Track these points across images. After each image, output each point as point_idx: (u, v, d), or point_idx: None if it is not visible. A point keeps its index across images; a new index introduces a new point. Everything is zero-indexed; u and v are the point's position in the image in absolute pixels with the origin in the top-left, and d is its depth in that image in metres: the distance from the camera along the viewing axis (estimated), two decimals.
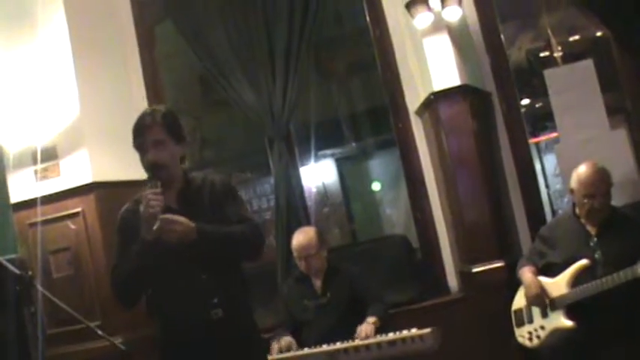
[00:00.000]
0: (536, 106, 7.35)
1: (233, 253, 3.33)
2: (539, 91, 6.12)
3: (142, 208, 3.13)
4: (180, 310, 3.24)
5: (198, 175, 3.46)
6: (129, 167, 5.34)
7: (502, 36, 5.50)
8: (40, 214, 5.03)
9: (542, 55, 6.71)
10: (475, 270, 4.86)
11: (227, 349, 3.23)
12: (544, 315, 4.31)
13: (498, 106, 5.42)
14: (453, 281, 5.43)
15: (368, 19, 5.75)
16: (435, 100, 4.99)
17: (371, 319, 4.45)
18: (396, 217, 8.17)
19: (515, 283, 4.55)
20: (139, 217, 3.18)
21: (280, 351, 4.49)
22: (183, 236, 3.10)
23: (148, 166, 3.22)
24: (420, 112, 5.43)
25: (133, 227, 3.22)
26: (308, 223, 5.50)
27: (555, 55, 6.06)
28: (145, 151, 3.24)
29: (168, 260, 3.16)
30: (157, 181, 3.16)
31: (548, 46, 6.38)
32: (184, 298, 3.22)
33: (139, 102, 5.88)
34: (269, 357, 4.38)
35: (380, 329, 4.42)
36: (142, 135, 3.24)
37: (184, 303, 3.22)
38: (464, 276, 5.14)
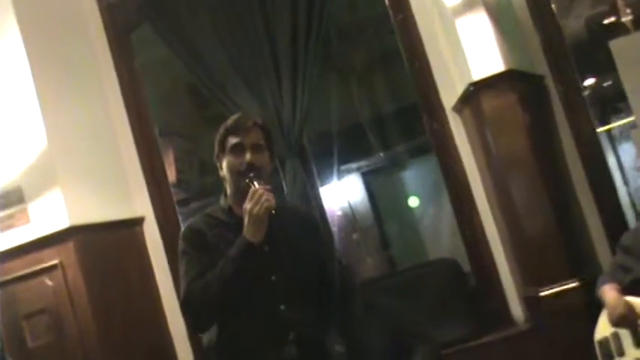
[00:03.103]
0: (604, 85, 7.37)
1: None
2: (605, 67, 6.02)
3: (248, 205, 3.28)
4: (252, 343, 3.39)
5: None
6: (113, 206, 5.59)
7: (553, 5, 5.31)
8: (6, 272, 4.95)
9: (606, 21, 6.60)
10: (543, 294, 4.69)
11: None
12: (638, 344, 4.05)
13: (555, 91, 5.23)
14: (516, 309, 5.23)
15: (387, 1, 5.63)
16: (476, 92, 4.86)
17: None
18: (440, 237, 8.15)
19: (595, 307, 4.31)
20: (212, 231, 3.49)
21: None
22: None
23: (245, 166, 3.41)
24: (458, 108, 5.28)
25: (206, 241, 3.47)
26: None
27: (624, 20, 5.88)
28: (241, 152, 3.44)
29: (251, 284, 3.32)
30: (263, 182, 3.38)
31: (613, 10, 6.17)
32: (259, 330, 3.38)
33: (119, 126, 5.85)
34: None
35: None
36: (242, 134, 3.47)
37: (258, 335, 3.38)
38: (530, 302, 4.93)
